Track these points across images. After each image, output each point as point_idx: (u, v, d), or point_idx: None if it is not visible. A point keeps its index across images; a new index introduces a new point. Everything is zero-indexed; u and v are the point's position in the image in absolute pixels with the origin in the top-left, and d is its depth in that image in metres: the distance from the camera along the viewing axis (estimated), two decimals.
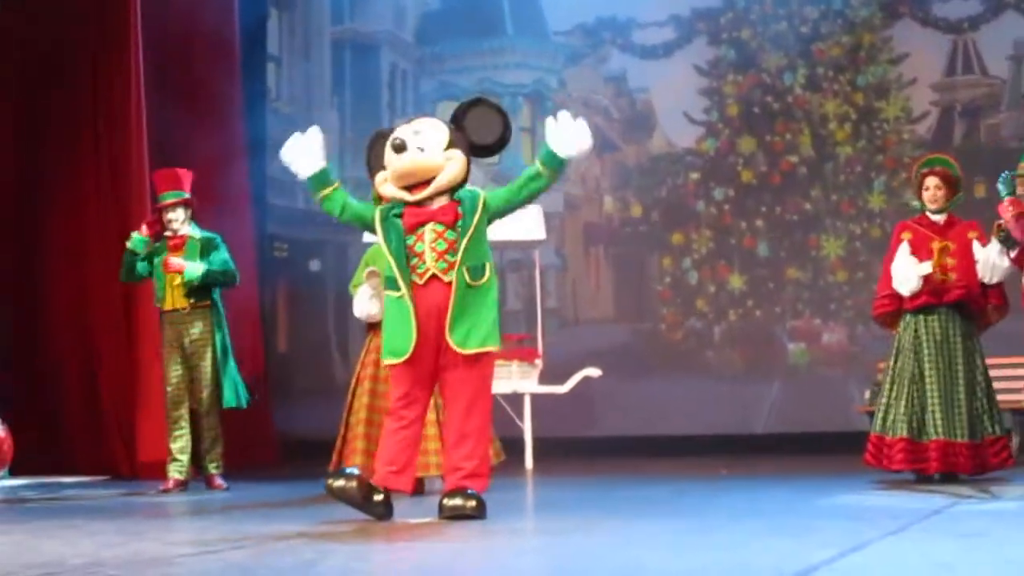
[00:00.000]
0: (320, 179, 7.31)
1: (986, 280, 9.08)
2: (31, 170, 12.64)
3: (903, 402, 9.10)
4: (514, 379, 11.76)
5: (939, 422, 8.96)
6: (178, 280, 9.94)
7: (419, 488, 9.20)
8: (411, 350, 6.78)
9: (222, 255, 10.12)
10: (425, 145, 6.94)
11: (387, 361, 6.96)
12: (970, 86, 14.25)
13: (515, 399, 11.87)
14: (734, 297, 14.51)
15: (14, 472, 11.16)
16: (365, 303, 9.03)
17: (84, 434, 12.20)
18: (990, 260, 9.02)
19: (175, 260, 9.92)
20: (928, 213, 9.30)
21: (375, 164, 7.19)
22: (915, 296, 9.09)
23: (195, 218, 10.20)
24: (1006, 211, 8.56)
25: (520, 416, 11.90)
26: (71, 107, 12.48)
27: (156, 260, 10.00)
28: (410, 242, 6.85)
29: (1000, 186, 8.59)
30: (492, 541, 6.00)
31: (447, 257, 6.82)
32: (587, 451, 13.57)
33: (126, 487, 10.59)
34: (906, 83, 14.34)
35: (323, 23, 15.69)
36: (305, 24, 15.73)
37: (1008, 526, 6.24)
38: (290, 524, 6.82)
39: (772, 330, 14.40)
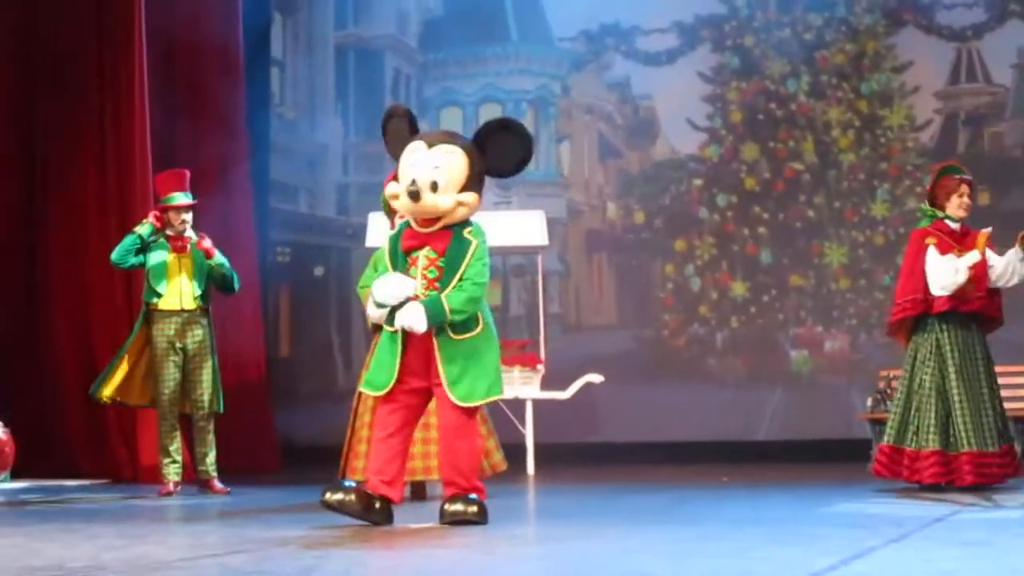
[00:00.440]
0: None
1: (1000, 284, 9.08)
2: (34, 173, 12.65)
3: (931, 413, 9.03)
4: (516, 385, 11.74)
5: (970, 433, 8.91)
6: (187, 282, 9.99)
7: (421, 493, 9.21)
8: (388, 389, 6.88)
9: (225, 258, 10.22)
10: (441, 181, 6.81)
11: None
12: (974, 94, 14.25)
13: (517, 405, 11.86)
14: (737, 304, 14.50)
15: (15, 475, 11.16)
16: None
17: (85, 437, 12.20)
18: (1010, 265, 9.02)
19: (208, 241, 10.04)
20: (949, 220, 9.25)
21: (394, 148, 7.05)
22: (943, 300, 9.02)
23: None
24: None
25: (522, 422, 11.89)
26: (74, 110, 12.48)
27: (151, 256, 10.01)
28: (405, 266, 6.85)
29: None
30: (493, 547, 5.99)
31: (437, 285, 6.81)
32: (589, 457, 13.55)
33: (127, 491, 10.58)
34: (910, 91, 14.34)
35: (326, 28, 15.69)
36: (309, 29, 15.73)
37: (1011, 535, 6.23)
38: (291, 529, 6.81)
39: (775, 337, 14.39)
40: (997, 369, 12.04)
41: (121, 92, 12.22)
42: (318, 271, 15.32)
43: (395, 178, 6.97)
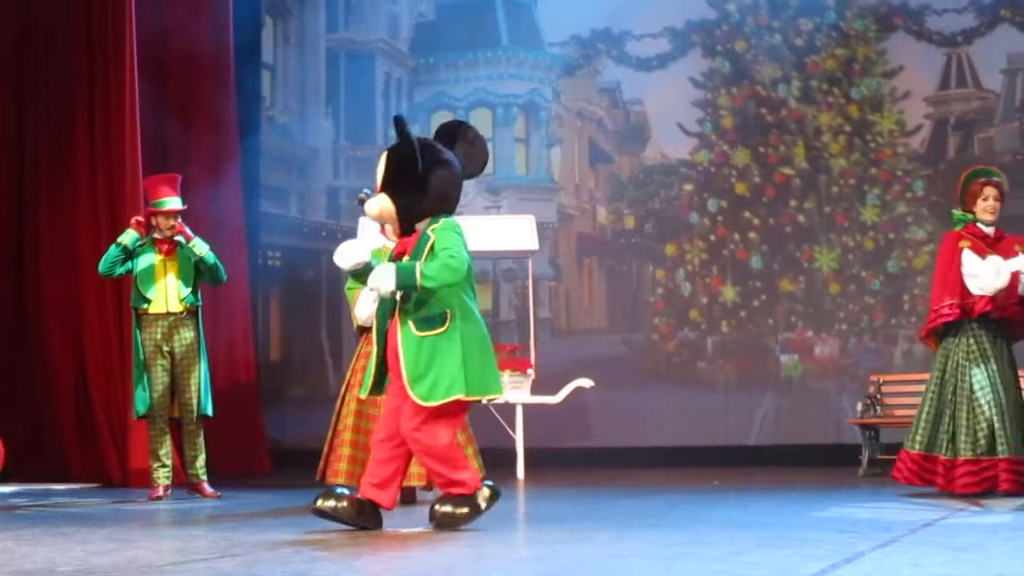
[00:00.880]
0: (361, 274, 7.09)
1: None
2: (24, 177, 12.62)
3: (966, 420, 8.93)
4: (506, 389, 11.73)
5: (1008, 439, 8.82)
6: (174, 284, 9.95)
7: (410, 497, 9.21)
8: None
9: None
10: (377, 187, 7.01)
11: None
12: (964, 99, 14.27)
13: (507, 409, 11.86)
14: (727, 309, 14.51)
15: (4, 479, 11.12)
16: (368, 306, 8.97)
17: (75, 441, 12.18)
18: None
19: (187, 230, 9.98)
20: (981, 224, 9.17)
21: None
22: (984, 302, 8.93)
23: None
24: None
25: (512, 426, 11.89)
26: (64, 114, 12.46)
27: (139, 260, 9.97)
28: None
29: None
30: (483, 551, 5.99)
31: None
32: (579, 462, 13.56)
33: (117, 495, 10.57)
34: (900, 96, 14.35)
35: (318, 32, 15.69)
36: (300, 33, 15.72)
37: (1000, 539, 6.24)
38: (281, 533, 6.81)
39: (765, 342, 14.40)
40: None
41: (111, 96, 12.20)
42: (308, 275, 15.31)
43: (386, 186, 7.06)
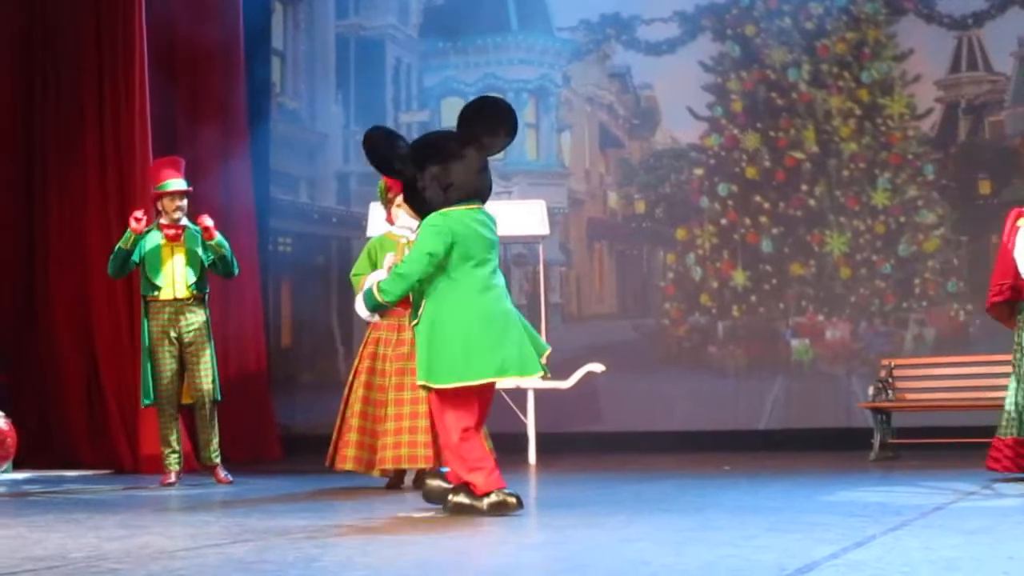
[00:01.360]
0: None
1: None
2: (33, 168, 12.65)
3: None
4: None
5: None
6: (181, 270, 9.87)
7: (396, 481, 9.23)
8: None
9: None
10: None
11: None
12: (974, 83, 14.23)
13: (518, 394, 11.86)
14: (738, 293, 14.50)
15: (16, 466, 11.17)
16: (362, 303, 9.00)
17: (86, 428, 12.21)
18: None
19: (207, 219, 9.88)
20: None
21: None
22: None
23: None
24: None
25: (524, 411, 11.90)
26: (74, 105, 12.47)
27: (145, 250, 9.88)
28: None
29: None
30: (494, 536, 6.00)
31: None
32: (590, 446, 13.57)
33: (128, 481, 10.60)
34: (910, 80, 14.31)
35: (328, 18, 15.68)
36: (309, 19, 15.72)
37: (1011, 523, 6.24)
38: (292, 519, 6.83)
39: (775, 326, 14.39)
40: (997, 358, 12.09)
41: (120, 87, 12.20)
42: (319, 260, 15.32)
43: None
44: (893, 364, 12.31)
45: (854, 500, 7.70)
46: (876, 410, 11.88)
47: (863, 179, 14.29)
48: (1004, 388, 11.65)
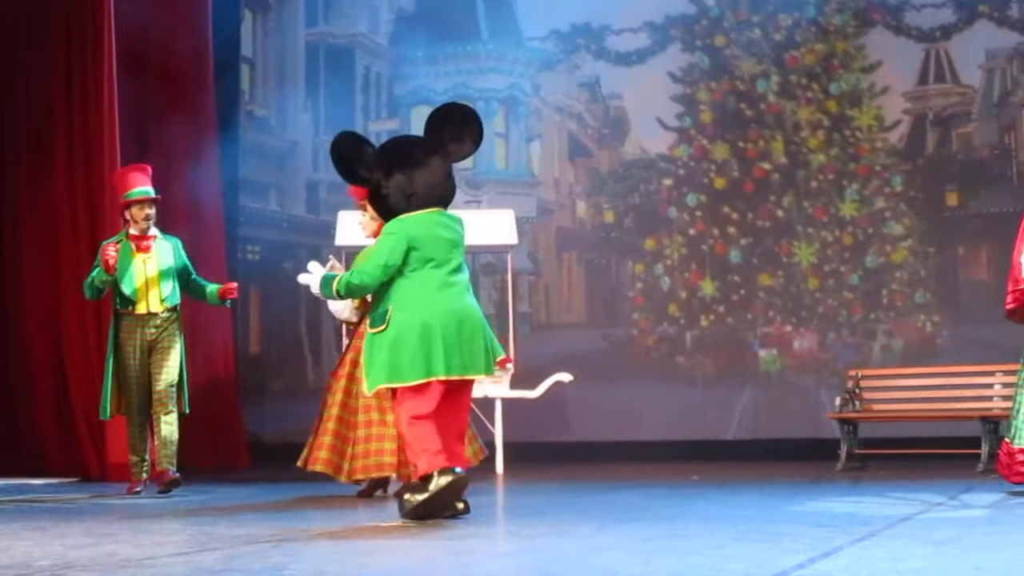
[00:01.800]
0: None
1: None
2: (3, 175, 12.58)
3: None
4: (485, 384, 11.72)
5: None
6: (154, 283, 9.65)
7: (370, 491, 9.23)
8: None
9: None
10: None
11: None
12: (942, 95, 14.30)
13: (486, 404, 11.86)
14: (706, 303, 14.52)
15: None
16: (340, 304, 9.19)
17: (54, 436, 12.16)
18: None
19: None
20: None
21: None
22: None
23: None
24: None
25: (491, 421, 11.90)
26: (42, 111, 12.42)
27: (120, 263, 9.59)
28: None
29: None
30: (463, 545, 6.00)
31: None
32: (558, 456, 13.56)
33: (95, 489, 10.55)
34: (879, 91, 14.37)
35: (297, 26, 15.66)
36: (279, 26, 15.70)
37: (978, 533, 6.26)
38: (261, 527, 6.81)
39: (744, 336, 14.41)
40: (965, 369, 12.14)
41: (89, 92, 12.15)
42: (288, 269, 15.27)
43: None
44: (860, 375, 12.35)
45: (822, 510, 7.71)
46: (843, 420, 11.92)
47: (831, 190, 14.33)
48: (971, 399, 11.75)
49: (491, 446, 11.74)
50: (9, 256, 12.51)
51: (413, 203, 7.20)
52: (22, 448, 12.15)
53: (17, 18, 12.57)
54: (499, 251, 13.27)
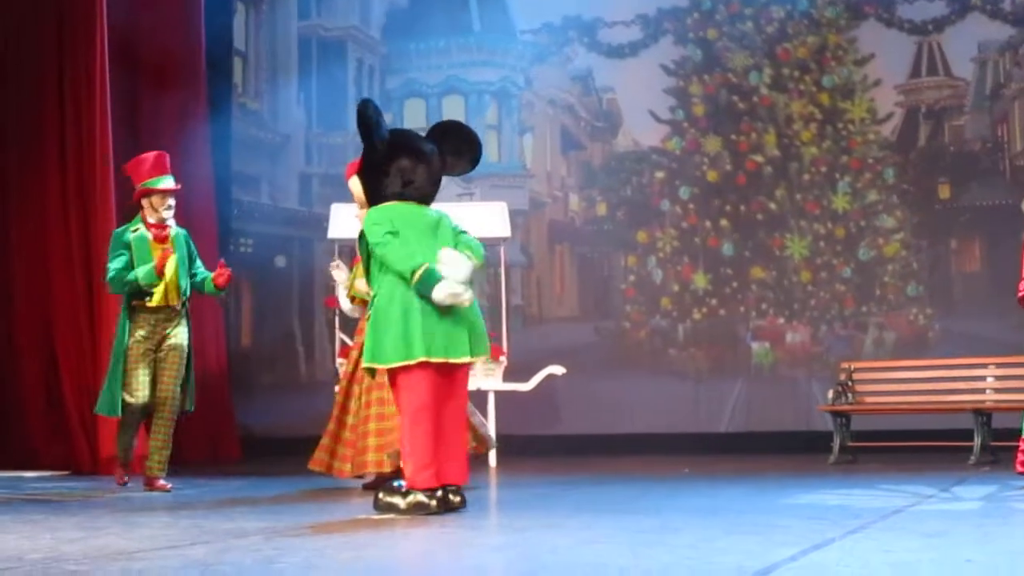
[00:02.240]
0: None
1: None
2: None
3: None
4: (478, 376, 11.72)
5: None
6: (173, 276, 9.25)
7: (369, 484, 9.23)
8: None
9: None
10: None
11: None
12: (935, 88, 14.30)
13: (479, 396, 11.84)
14: (698, 296, 14.53)
15: None
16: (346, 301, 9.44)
17: (46, 429, 12.14)
18: None
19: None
20: None
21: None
22: None
23: None
24: None
25: (484, 413, 11.88)
26: (34, 102, 12.40)
27: (136, 251, 9.21)
28: None
29: None
30: (455, 538, 5.99)
31: None
32: (550, 449, 13.56)
33: (87, 482, 10.53)
34: (871, 84, 14.38)
35: (289, 19, 15.64)
36: (271, 19, 15.68)
37: (969, 526, 6.26)
38: (251, 521, 6.81)
39: (736, 330, 14.42)
40: (958, 361, 12.14)
41: (81, 83, 12.14)
42: (280, 262, 15.27)
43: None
44: (853, 367, 12.35)
45: (813, 503, 7.72)
46: (836, 413, 11.92)
47: (824, 183, 14.34)
48: (963, 392, 11.75)
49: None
50: (0, 249, 12.48)
51: (407, 191, 7.25)
52: (13, 441, 12.13)
53: (9, 11, 12.54)
54: (491, 244, 13.22)
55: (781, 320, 14.32)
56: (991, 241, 13.76)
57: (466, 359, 7.12)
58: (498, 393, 12.04)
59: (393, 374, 7.06)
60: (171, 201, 9.45)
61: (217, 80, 14.39)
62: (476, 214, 12.05)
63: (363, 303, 8.93)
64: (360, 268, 9.05)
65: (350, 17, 15.55)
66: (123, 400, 9.30)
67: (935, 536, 5.73)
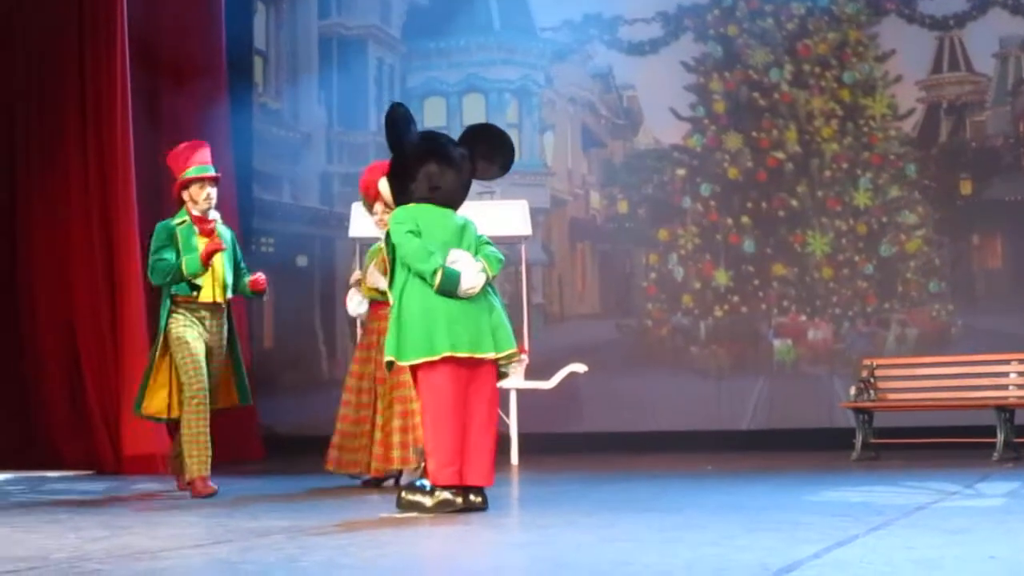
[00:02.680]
0: None
1: None
2: (15, 162, 12.60)
3: None
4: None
5: None
6: (220, 271, 8.89)
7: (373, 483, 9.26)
8: None
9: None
10: None
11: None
12: (956, 83, 14.27)
13: (501, 395, 11.81)
14: (720, 293, 14.51)
15: None
16: (355, 305, 9.41)
17: (69, 429, 12.16)
18: None
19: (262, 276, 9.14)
20: None
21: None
22: None
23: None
24: None
25: (506, 411, 11.89)
26: (56, 103, 12.43)
27: (185, 246, 8.76)
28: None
29: None
30: (477, 536, 6.00)
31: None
32: (572, 447, 13.57)
33: (111, 482, 10.56)
34: (892, 80, 14.35)
35: (310, 18, 15.67)
36: (292, 19, 15.70)
37: (992, 522, 6.25)
38: (275, 520, 6.82)
39: (758, 327, 14.40)
40: (980, 358, 12.11)
41: (102, 81, 12.16)
42: (301, 261, 15.29)
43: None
44: (875, 364, 12.32)
45: (836, 500, 7.71)
46: (858, 410, 11.90)
47: (845, 179, 14.31)
48: (986, 388, 11.72)
49: (506, 437, 11.76)
50: (23, 248, 12.52)
51: (435, 196, 7.23)
52: (36, 441, 12.16)
53: (31, 12, 12.58)
54: (513, 242, 13.24)
55: (803, 317, 14.30)
56: (1013, 237, 13.73)
57: (491, 354, 7.10)
58: (520, 391, 12.05)
59: (415, 371, 7.06)
60: (210, 189, 8.95)
61: (238, 80, 14.41)
62: (497, 212, 12.05)
63: (381, 297, 8.92)
64: (377, 258, 9.09)
65: (370, 16, 15.56)
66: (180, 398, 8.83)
67: (959, 533, 5.72)
